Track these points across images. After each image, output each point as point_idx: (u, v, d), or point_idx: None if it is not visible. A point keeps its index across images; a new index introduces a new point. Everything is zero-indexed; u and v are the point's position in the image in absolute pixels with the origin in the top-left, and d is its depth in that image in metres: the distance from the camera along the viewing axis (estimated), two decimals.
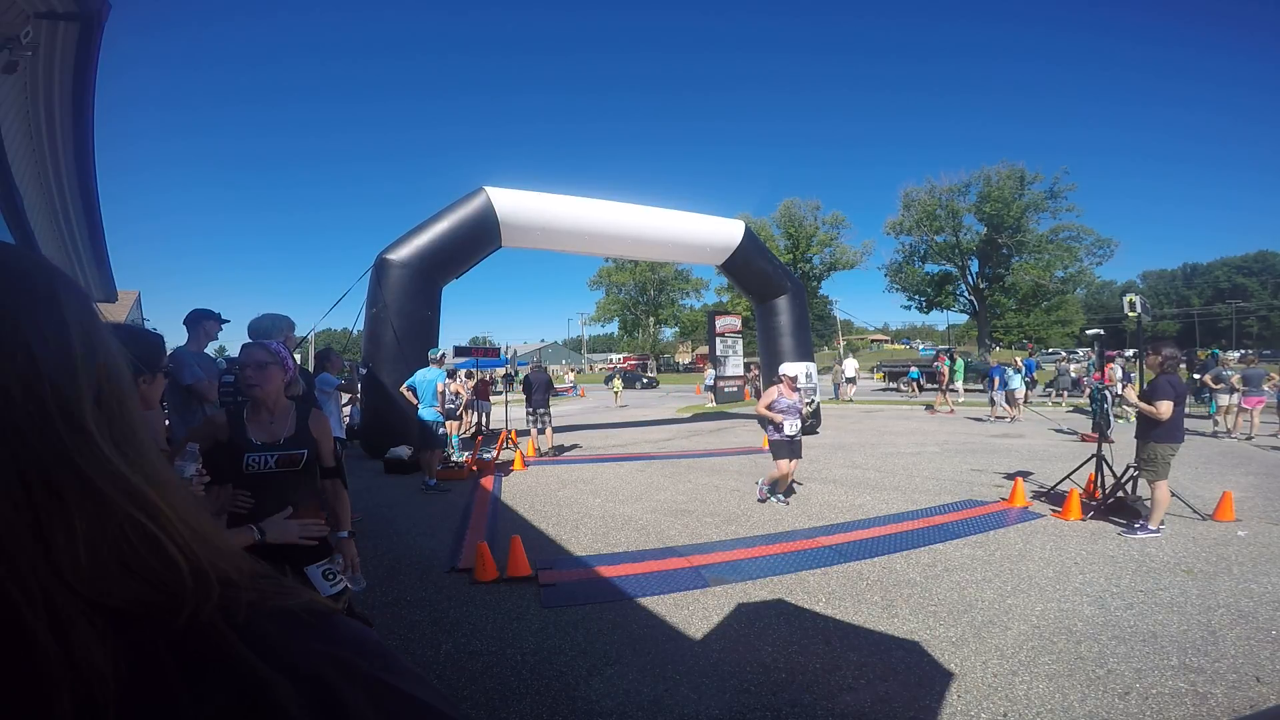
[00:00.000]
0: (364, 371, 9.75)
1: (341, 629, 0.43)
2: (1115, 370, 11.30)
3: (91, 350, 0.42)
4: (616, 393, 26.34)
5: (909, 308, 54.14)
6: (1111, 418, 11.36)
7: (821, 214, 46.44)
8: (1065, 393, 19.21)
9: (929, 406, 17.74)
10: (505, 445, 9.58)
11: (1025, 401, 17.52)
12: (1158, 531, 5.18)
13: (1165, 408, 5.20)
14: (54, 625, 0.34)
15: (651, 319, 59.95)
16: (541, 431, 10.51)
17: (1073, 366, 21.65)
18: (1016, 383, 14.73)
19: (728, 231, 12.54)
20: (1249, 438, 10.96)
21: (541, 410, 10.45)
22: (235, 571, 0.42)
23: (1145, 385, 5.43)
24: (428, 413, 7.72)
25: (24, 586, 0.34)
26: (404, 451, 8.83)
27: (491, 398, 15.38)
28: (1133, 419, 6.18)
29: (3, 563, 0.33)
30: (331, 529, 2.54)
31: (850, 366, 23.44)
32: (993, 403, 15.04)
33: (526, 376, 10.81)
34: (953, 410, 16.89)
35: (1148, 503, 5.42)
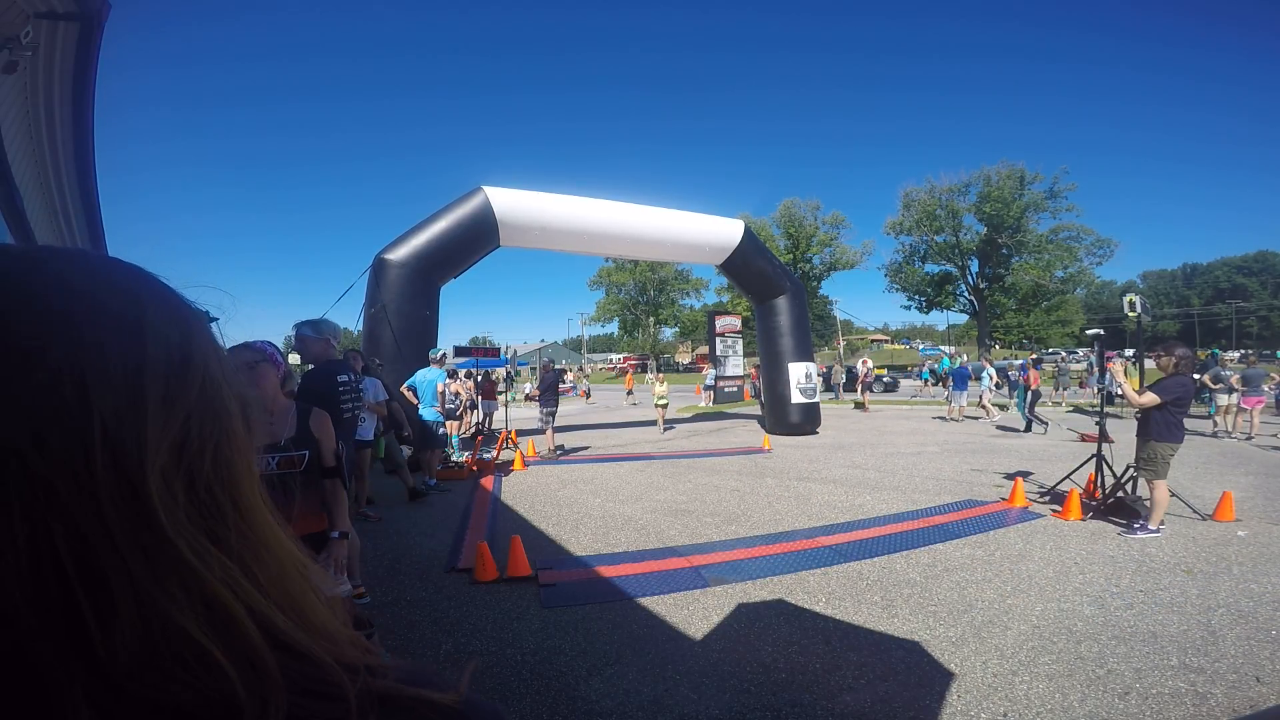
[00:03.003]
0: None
1: None
2: (1116, 365, 11.51)
3: (180, 393, 0.35)
4: (662, 406, 14.44)
5: (909, 308, 54.13)
6: (1037, 417, 12.45)
7: (821, 214, 46.45)
8: (1064, 391, 19.34)
9: (858, 405, 18.95)
10: (505, 445, 9.59)
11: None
12: (1158, 531, 5.18)
13: (1148, 397, 5.24)
14: None
15: (651, 319, 59.90)
16: (543, 431, 10.54)
17: (1073, 367, 21.87)
18: (984, 383, 15.00)
19: (727, 231, 12.53)
20: (1249, 438, 10.96)
21: (552, 409, 10.51)
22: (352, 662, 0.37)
23: (1157, 382, 5.41)
24: (428, 412, 7.72)
25: (55, 682, 0.28)
26: (404, 452, 8.82)
27: (497, 397, 15.39)
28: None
29: (30, 651, 0.28)
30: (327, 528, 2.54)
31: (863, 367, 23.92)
32: (949, 400, 15.35)
33: (543, 376, 10.93)
34: (867, 409, 18.24)
35: (1147, 503, 5.41)
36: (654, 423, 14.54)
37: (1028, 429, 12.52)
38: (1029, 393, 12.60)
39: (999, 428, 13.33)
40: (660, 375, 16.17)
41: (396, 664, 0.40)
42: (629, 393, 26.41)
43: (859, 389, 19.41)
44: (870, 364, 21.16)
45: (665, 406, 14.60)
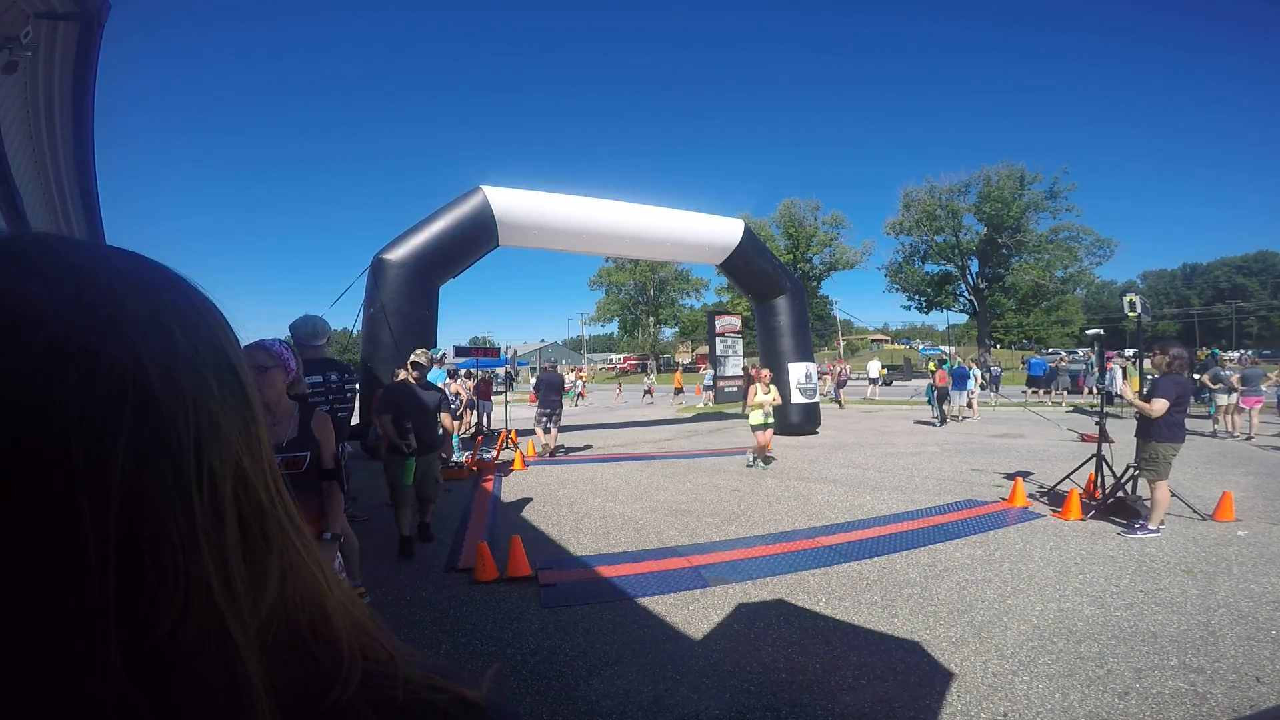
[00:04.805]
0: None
1: None
2: (1115, 369, 11.69)
3: (233, 390, 0.35)
4: (767, 427, 8.89)
5: (909, 308, 54.03)
6: (943, 413, 13.74)
7: (821, 214, 46.43)
8: (1065, 391, 19.38)
9: (836, 403, 19.87)
10: (505, 445, 9.59)
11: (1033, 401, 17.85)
12: (1158, 531, 5.18)
13: (1159, 405, 5.22)
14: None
15: (651, 319, 59.87)
16: (547, 431, 10.53)
17: (1072, 368, 22.02)
18: (970, 384, 15.19)
19: (727, 231, 12.53)
20: (1249, 438, 10.96)
21: (550, 410, 10.50)
22: (385, 655, 0.39)
23: (1150, 383, 5.42)
24: None
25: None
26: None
27: (493, 397, 15.40)
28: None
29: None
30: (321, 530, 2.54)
31: (874, 368, 24.37)
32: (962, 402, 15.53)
33: (538, 376, 10.91)
34: (843, 406, 19.57)
35: (1147, 503, 5.42)
36: (650, 423, 14.27)
37: (942, 423, 13.75)
38: (936, 390, 14.00)
39: (916, 422, 14.60)
40: (766, 374, 9.39)
41: (422, 656, 0.41)
42: (678, 391, 26.12)
43: (836, 389, 20.57)
44: (847, 367, 22.85)
45: (771, 426, 8.99)
